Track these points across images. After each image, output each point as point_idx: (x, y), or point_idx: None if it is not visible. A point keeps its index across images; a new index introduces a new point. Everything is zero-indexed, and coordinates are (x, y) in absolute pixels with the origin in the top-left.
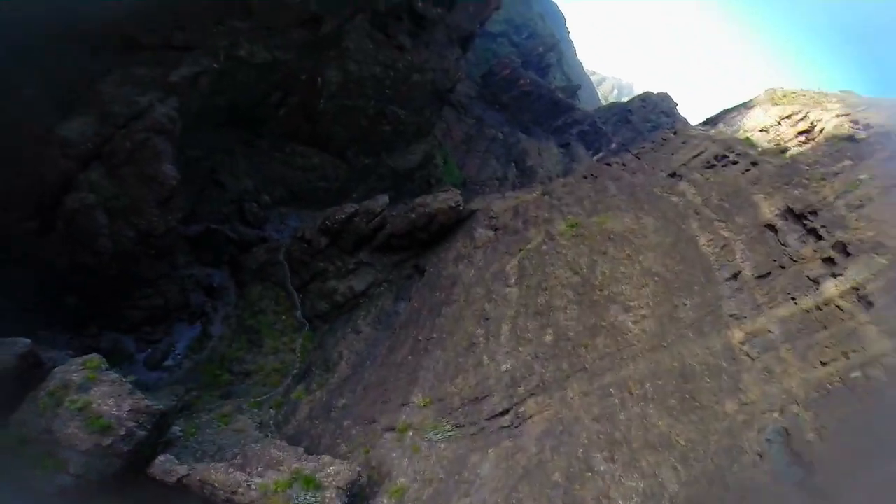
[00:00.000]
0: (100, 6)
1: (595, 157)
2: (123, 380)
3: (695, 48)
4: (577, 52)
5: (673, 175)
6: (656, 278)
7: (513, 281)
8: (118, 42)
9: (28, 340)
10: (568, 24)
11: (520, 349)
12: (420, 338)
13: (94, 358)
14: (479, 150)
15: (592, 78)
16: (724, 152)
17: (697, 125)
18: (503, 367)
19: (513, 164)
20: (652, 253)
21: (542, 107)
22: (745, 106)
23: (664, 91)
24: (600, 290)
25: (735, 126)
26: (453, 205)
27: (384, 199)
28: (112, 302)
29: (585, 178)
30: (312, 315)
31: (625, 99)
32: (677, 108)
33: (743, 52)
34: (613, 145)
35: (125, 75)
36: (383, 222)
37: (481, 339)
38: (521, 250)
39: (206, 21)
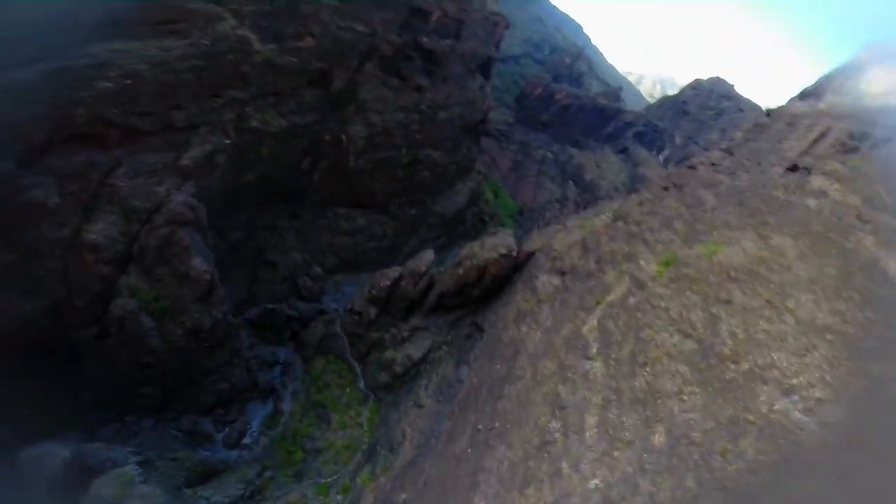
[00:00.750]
0: (85, 95)
1: (661, 157)
2: (155, 493)
3: (720, 31)
4: (605, 56)
5: (794, 169)
6: (828, 336)
7: (594, 350)
8: (119, 132)
9: (72, 447)
10: (586, 30)
11: (615, 454)
12: (479, 427)
13: (128, 471)
14: (530, 175)
15: (630, 78)
16: (862, 129)
17: (792, 101)
18: (591, 482)
19: (570, 183)
20: (808, 294)
21: (586, 117)
22: (850, 68)
23: (714, 76)
24: (734, 363)
25: (851, 95)
26: (504, 252)
27: (429, 255)
28: (183, 389)
29: (667, 189)
30: (375, 386)
31: (671, 92)
32: (734, 89)
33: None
34: (678, 141)
35: (136, 165)
36: (431, 282)
37: (557, 435)
38: (598, 303)
39: (202, 96)
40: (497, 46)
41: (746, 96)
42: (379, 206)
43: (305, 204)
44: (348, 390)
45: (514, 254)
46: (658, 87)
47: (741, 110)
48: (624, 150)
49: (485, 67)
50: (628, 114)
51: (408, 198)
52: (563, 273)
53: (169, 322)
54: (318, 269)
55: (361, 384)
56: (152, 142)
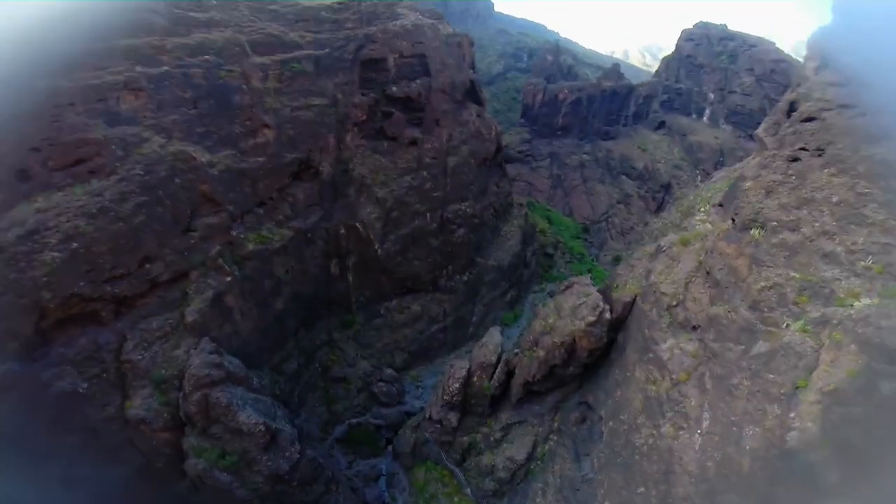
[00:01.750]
0: (37, 274)
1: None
2: None
3: None
4: (582, 45)
5: None
6: None
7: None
8: (106, 305)
9: None
10: (550, 27)
11: None
12: None
13: None
14: (575, 185)
15: (616, 56)
16: None
17: None
18: None
19: (623, 178)
20: None
21: (601, 104)
22: None
23: (697, 22)
24: None
25: None
26: (593, 319)
27: (495, 338)
28: None
29: (797, 160)
30: (482, 494)
31: (663, 55)
32: (728, 27)
33: None
34: (712, 97)
35: (143, 335)
36: (509, 370)
37: None
38: (802, 388)
39: (169, 236)
40: (473, 67)
41: (745, 32)
42: (428, 285)
43: (353, 309)
44: (456, 499)
45: (608, 315)
46: (647, 55)
47: (753, 45)
48: (661, 125)
49: (472, 93)
50: (642, 87)
51: (454, 264)
52: (694, 328)
53: (246, 472)
54: (390, 372)
55: (468, 491)
56: (148, 305)
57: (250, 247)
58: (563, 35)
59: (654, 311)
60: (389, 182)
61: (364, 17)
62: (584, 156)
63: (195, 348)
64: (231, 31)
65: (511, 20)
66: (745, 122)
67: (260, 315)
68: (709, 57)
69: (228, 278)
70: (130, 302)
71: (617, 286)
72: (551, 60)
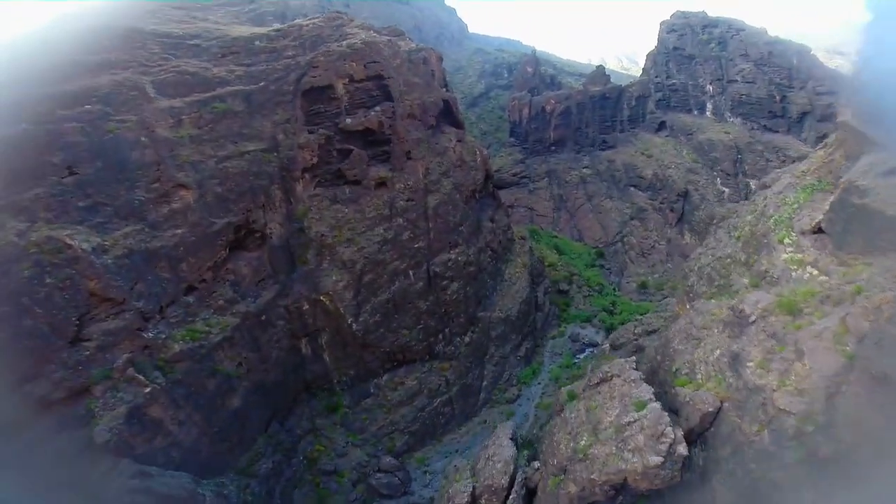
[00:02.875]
0: None
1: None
2: None
3: None
4: (560, 56)
5: None
6: None
7: None
8: None
9: None
10: (526, 42)
11: None
12: None
13: None
14: (580, 203)
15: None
16: None
17: None
18: None
19: (632, 189)
20: None
21: (592, 111)
22: None
23: (674, 12)
24: None
25: None
26: (660, 460)
27: (504, 448)
28: None
29: None
30: None
31: (642, 62)
32: (708, 13)
33: None
34: (710, 89)
35: None
36: (529, 489)
37: None
38: None
39: (54, 349)
40: (446, 84)
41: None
42: (423, 354)
43: (336, 390)
44: None
45: (682, 450)
46: (624, 61)
47: (741, 30)
48: (662, 126)
49: (448, 115)
50: (633, 87)
51: (451, 326)
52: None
53: None
54: (389, 459)
55: None
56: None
57: (177, 347)
58: (539, 49)
59: (768, 436)
60: (357, 238)
61: (307, 43)
62: (585, 170)
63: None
64: (130, 73)
65: (486, 39)
66: (754, 112)
67: (207, 419)
68: (697, 46)
69: (147, 389)
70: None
71: (679, 374)
72: (532, 72)
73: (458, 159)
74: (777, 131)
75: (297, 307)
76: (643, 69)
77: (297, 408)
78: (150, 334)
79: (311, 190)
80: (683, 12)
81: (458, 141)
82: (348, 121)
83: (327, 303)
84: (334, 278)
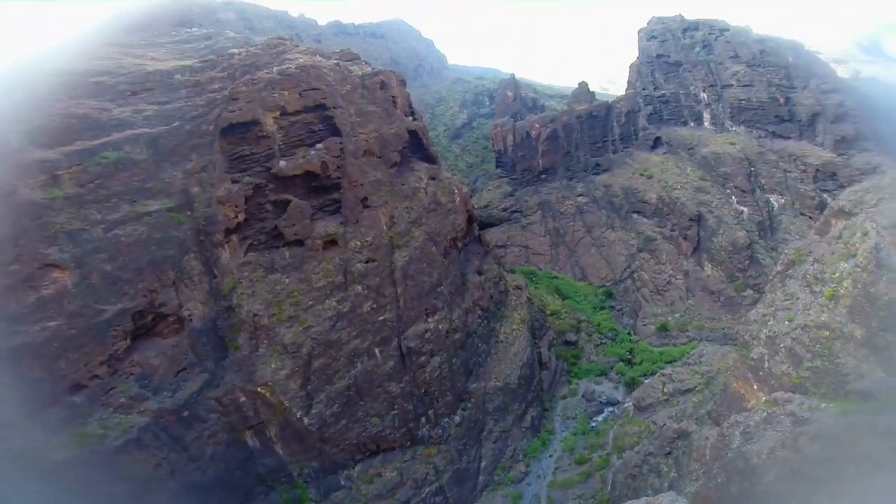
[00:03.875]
0: None
1: (707, 125)
2: None
3: None
4: (540, 81)
5: None
6: None
7: None
8: None
9: None
10: (503, 70)
11: None
12: None
13: None
14: (580, 238)
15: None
16: None
17: None
18: None
19: (634, 216)
20: None
21: (581, 133)
22: None
23: (651, 18)
24: None
25: None
26: None
27: None
28: None
29: None
30: None
31: (621, 83)
32: (685, 16)
33: None
34: (704, 96)
35: None
36: None
37: None
38: None
39: None
40: (412, 112)
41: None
42: (402, 441)
43: (299, 483)
44: None
45: None
46: (604, 82)
47: (724, 30)
48: (657, 143)
49: (417, 148)
50: (620, 102)
51: (435, 406)
52: None
53: None
54: None
55: None
56: None
57: (59, 455)
58: (518, 76)
59: None
60: (302, 314)
61: (237, 72)
62: (580, 198)
63: None
64: None
65: (466, 69)
66: (758, 118)
67: None
68: (682, 52)
69: None
70: None
71: None
72: (512, 96)
73: (432, 202)
74: (788, 137)
75: (231, 399)
76: (628, 82)
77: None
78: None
79: (241, 257)
80: (660, 18)
81: (432, 178)
82: (283, 164)
83: (267, 395)
84: (274, 366)
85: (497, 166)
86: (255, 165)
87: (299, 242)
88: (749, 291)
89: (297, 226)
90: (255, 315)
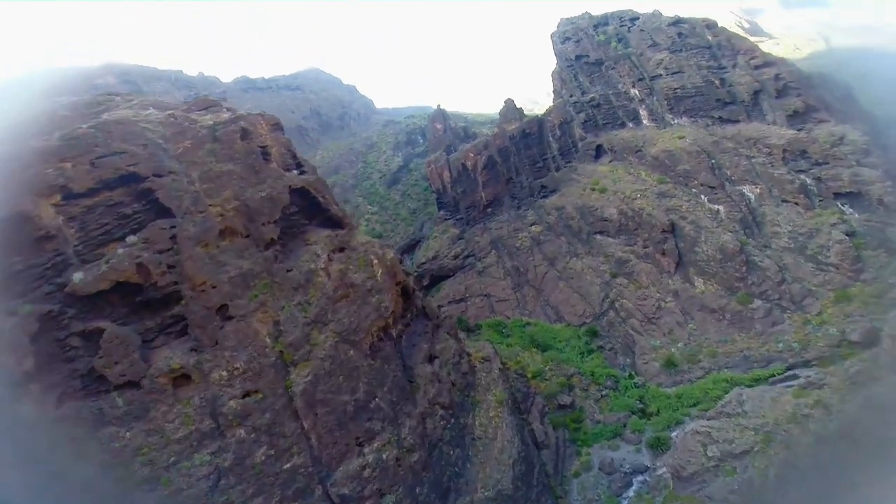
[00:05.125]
0: None
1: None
2: None
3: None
4: (469, 111)
5: None
6: None
7: None
8: None
9: None
10: (426, 105)
11: None
12: None
13: None
14: (544, 273)
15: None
16: None
17: None
18: None
19: (598, 238)
20: None
21: (519, 156)
22: None
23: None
24: None
25: None
26: None
27: None
28: None
29: None
30: None
31: (544, 102)
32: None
33: None
34: (636, 93)
35: None
36: None
37: None
38: None
39: None
40: (299, 166)
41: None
42: None
43: None
44: None
45: None
46: (529, 104)
47: (633, 19)
48: (599, 151)
49: (313, 210)
50: (551, 114)
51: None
52: None
53: None
54: None
55: None
56: None
57: None
58: (448, 108)
59: None
60: (163, 475)
61: None
62: (533, 227)
63: None
64: None
65: (396, 111)
66: (699, 105)
67: None
68: (599, 49)
69: None
70: None
71: None
72: (442, 128)
73: (340, 285)
74: (737, 121)
75: None
76: (553, 91)
77: None
78: None
79: (53, 410)
80: (568, 18)
81: (338, 251)
82: (79, 277)
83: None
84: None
85: (440, 208)
86: (39, 284)
87: (133, 384)
88: (758, 302)
89: (121, 364)
90: None
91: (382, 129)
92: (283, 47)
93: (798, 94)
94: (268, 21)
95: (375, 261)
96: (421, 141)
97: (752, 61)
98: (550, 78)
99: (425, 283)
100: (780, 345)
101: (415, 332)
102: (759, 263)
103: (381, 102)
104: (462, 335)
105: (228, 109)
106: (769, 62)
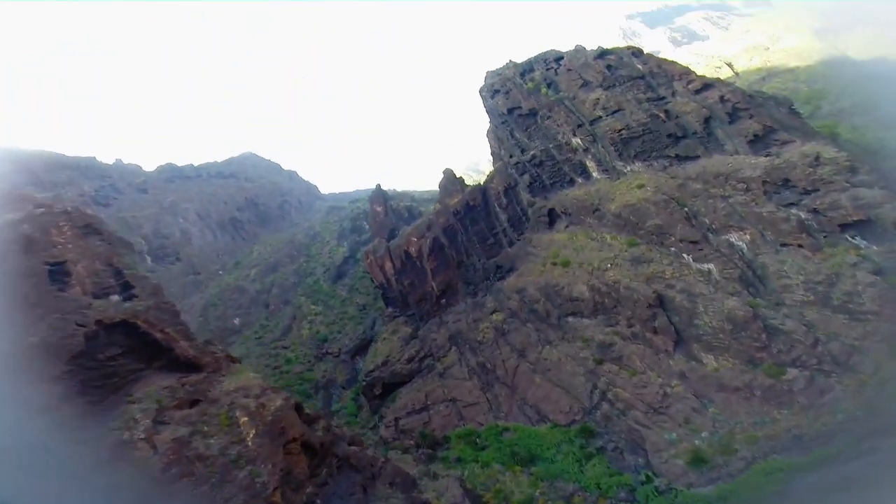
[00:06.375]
0: None
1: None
2: None
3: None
4: (417, 189)
5: None
6: None
7: None
8: None
9: None
10: (364, 187)
11: None
12: None
13: None
14: (515, 367)
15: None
16: None
17: None
18: None
19: (570, 321)
20: None
21: (466, 234)
22: None
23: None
24: None
25: None
26: None
27: None
28: None
29: None
30: None
31: (486, 169)
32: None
33: None
34: (578, 142)
35: None
36: None
37: None
38: None
39: None
40: (129, 291)
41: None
42: None
43: None
44: None
45: None
46: (472, 174)
47: (558, 59)
48: (553, 215)
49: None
50: (493, 181)
51: None
52: None
53: None
54: None
55: None
56: None
57: None
58: (399, 188)
59: None
60: None
61: None
62: (494, 316)
63: None
64: None
65: (343, 196)
66: (650, 146)
67: None
68: (532, 98)
69: None
70: None
71: None
72: (382, 211)
73: (177, 459)
74: (696, 156)
75: None
76: (492, 154)
77: None
78: None
79: None
80: (494, 70)
81: (185, 406)
82: None
83: None
84: None
85: (387, 304)
86: None
87: None
88: (794, 371)
89: None
90: None
91: (326, 217)
92: (217, 132)
93: (750, 115)
94: (200, 104)
95: (244, 418)
96: (367, 227)
97: (689, 86)
98: (486, 138)
99: (377, 392)
100: (840, 415)
101: (336, 493)
102: (781, 326)
103: (327, 187)
104: (424, 452)
105: (42, 206)
106: (708, 84)
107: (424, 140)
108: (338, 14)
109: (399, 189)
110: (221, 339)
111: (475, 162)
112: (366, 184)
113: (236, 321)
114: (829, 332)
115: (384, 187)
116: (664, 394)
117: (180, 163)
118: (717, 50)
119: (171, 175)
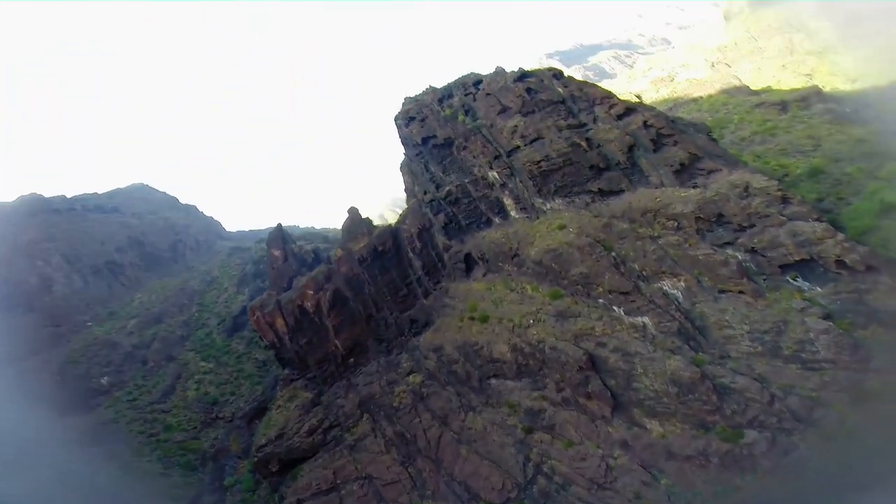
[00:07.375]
0: None
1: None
2: None
3: None
4: (308, 226)
5: None
6: None
7: None
8: None
9: None
10: (300, 224)
11: None
12: None
13: None
14: (436, 437)
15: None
16: None
17: None
18: None
19: (493, 384)
20: None
21: (374, 284)
22: None
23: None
24: None
25: None
26: None
27: None
28: None
29: None
30: None
31: (399, 210)
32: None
33: None
34: (495, 175)
35: None
36: None
37: None
38: None
39: None
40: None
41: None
42: None
43: None
44: None
45: None
46: (397, 211)
47: (476, 83)
48: (470, 261)
49: None
50: (406, 220)
51: None
52: None
53: None
54: None
55: None
56: None
57: None
58: (314, 226)
59: None
60: None
61: None
62: (411, 377)
63: None
64: None
65: (250, 234)
66: (571, 180)
67: None
68: (448, 126)
69: None
70: None
71: None
72: (280, 255)
73: None
74: (620, 191)
75: None
76: (406, 190)
77: None
78: None
79: None
80: (412, 97)
81: None
82: None
83: None
84: None
85: (282, 366)
86: None
87: None
88: (752, 433)
89: None
90: None
91: (227, 259)
92: (104, 161)
93: (675, 142)
94: (200, 104)
95: None
96: (263, 273)
97: (612, 110)
98: (399, 172)
99: (273, 469)
100: (811, 474)
101: None
102: (732, 385)
103: (232, 224)
104: None
105: None
106: (630, 108)
107: (344, 177)
108: (337, 14)
109: (318, 227)
110: (83, 402)
111: (395, 202)
112: (276, 221)
113: (104, 380)
114: (783, 385)
115: (315, 222)
116: (607, 466)
117: (49, 193)
118: (624, 87)
119: (35, 208)
